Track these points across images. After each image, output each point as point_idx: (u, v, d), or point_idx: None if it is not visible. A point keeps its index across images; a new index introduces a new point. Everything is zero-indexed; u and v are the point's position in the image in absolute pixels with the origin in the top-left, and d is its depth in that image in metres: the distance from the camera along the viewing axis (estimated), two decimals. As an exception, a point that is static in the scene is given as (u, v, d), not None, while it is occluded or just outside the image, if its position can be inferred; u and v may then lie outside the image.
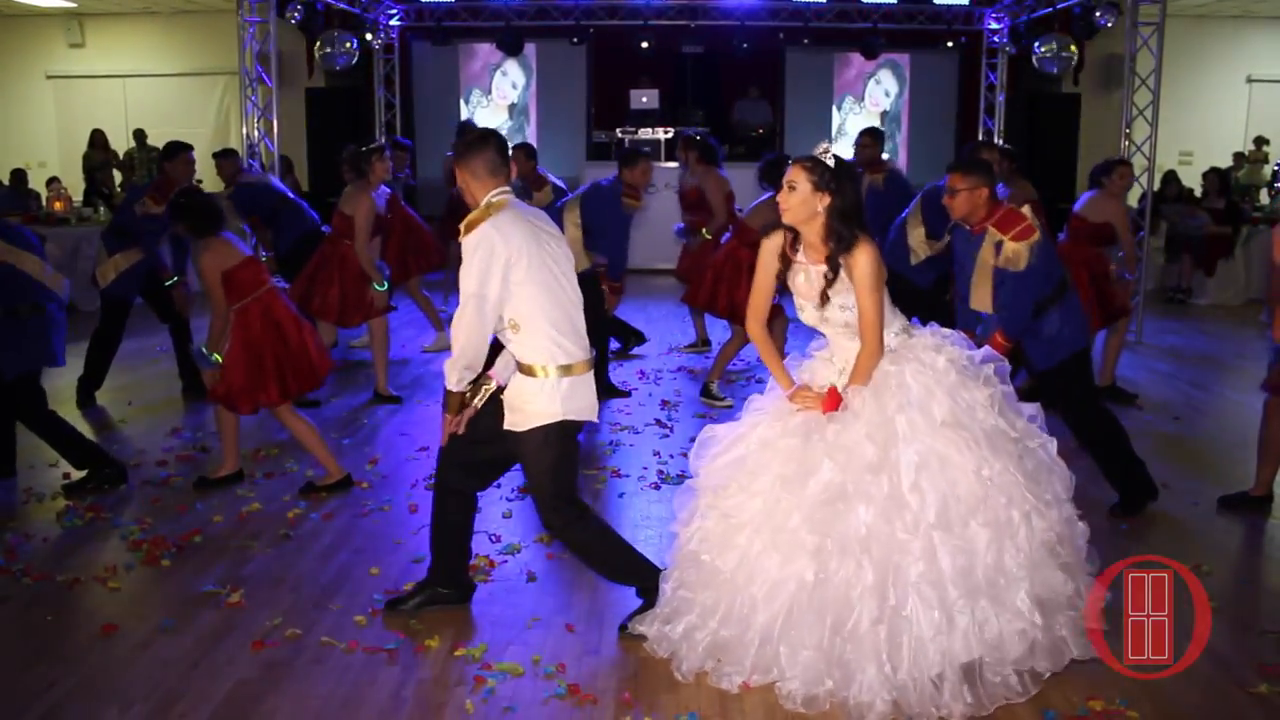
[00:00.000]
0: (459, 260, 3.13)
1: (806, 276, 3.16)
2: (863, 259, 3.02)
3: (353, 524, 4.31)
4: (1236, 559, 4.01)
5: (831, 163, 3.05)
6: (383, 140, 9.21)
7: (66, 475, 4.85)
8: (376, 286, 6.16)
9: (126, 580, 3.76)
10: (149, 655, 3.21)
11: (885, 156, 7.56)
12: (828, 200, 3.04)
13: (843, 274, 3.07)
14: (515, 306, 3.10)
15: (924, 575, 2.82)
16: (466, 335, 3.09)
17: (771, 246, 3.23)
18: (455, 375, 3.16)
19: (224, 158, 7.38)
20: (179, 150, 6.16)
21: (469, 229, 3.09)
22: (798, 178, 3.06)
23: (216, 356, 4.48)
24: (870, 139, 7.13)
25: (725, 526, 3.08)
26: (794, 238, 3.17)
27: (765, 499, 3.03)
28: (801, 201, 3.05)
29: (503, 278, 3.06)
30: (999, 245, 3.96)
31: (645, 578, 3.31)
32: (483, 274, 3.04)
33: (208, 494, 4.62)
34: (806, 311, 3.19)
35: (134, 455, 5.23)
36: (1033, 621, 2.86)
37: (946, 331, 3.27)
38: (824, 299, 3.10)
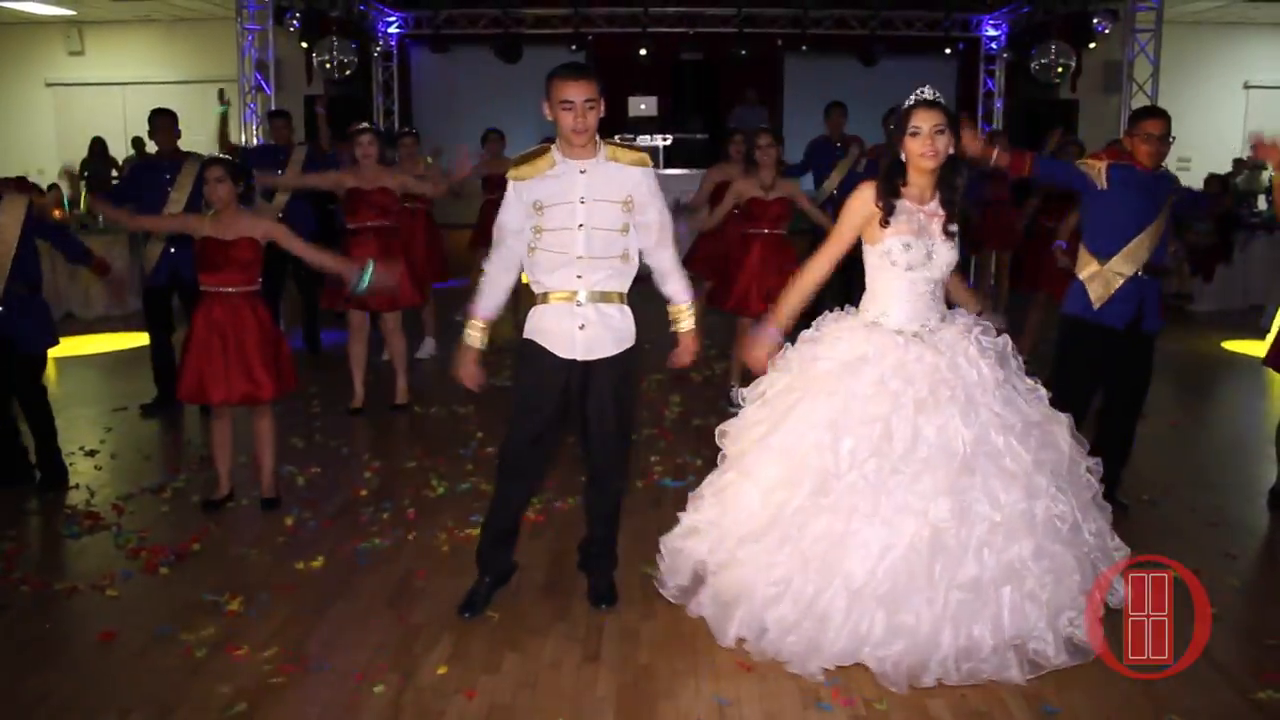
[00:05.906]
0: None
1: (910, 217, 3.13)
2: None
3: (351, 532, 4.30)
4: (1236, 564, 4.00)
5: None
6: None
7: (75, 484, 4.87)
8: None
9: (124, 588, 3.76)
10: (147, 663, 3.20)
11: None
12: (950, 139, 3.06)
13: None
14: None
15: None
16: None
17: (867, 198, 3.17)
18: None
19: (277, 117, 7.86)
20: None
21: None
22: (943, 119, 3.04)
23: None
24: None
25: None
26: (892, 185, 3.14)
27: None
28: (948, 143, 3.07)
29: None
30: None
31: None
32: None
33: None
34: (914, 250, 3.10)
35: (133, 463, 5.22)
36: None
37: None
38: (947, 234, 3.12)
